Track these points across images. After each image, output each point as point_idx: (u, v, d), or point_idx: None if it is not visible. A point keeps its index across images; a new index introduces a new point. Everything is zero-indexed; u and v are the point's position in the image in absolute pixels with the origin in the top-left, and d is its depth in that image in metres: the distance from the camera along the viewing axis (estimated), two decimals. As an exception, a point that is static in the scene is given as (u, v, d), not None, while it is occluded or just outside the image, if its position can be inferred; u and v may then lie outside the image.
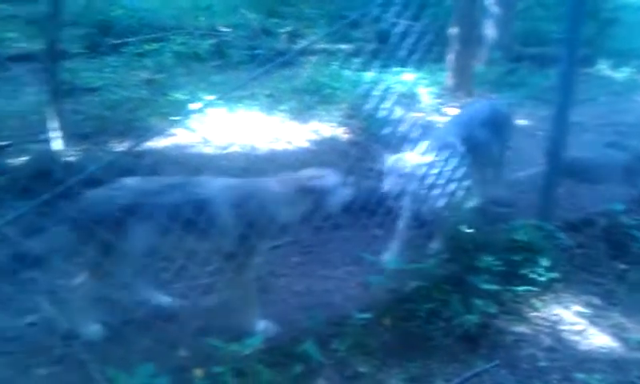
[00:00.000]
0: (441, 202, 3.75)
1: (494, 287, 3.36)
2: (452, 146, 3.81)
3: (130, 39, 8.85)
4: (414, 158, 3.66)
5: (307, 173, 3.15)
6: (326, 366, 2.79)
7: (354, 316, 3.00)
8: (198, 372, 2.63)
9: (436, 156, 3.69)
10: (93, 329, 3.08)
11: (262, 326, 3.07)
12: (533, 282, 3.51)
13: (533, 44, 10.04)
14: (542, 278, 3.51)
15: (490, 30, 9.43)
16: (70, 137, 5.47)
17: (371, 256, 3.49)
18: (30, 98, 6.94)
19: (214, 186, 3.03)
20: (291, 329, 3.04)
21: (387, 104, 4.00)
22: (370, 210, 3.69)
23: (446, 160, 3.71)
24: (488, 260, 3.55)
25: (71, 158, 4.92)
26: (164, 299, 3.34)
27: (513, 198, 4.56)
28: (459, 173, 3.78)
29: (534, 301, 3.45)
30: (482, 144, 4.06)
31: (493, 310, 3.24)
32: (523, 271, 3.57)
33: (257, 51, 9.11)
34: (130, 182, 3.05)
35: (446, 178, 3.72)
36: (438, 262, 3.50)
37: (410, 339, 3.05)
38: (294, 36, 10.16)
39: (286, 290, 3.44)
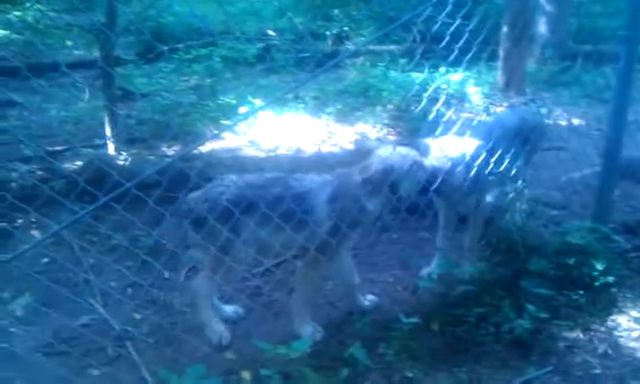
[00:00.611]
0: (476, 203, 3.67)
1: (547, 291, 3.26)
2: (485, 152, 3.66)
3: (179, 45, 9.06)
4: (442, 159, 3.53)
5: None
6: (373, 371, 2.77)
7: (402, 320, 2.96)
8: (246, 374, 2.67)
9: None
10: (221, 330, 3.09)
11: (310, 329, 3.10)
12: (587, 287, 3.40)
13: (587, 41, 9.70)
14: (597, 283, 3.39)
15: (542, 28, 9.20)
16: (124, 141, 5.67)
17: (419, 259, 3.44)
18: (86, 103, 7.22)
19: (311, 180, 3.13)
20: (338, 333, 3.05)
21: (438, 105, 3.94)
22: (418, 211, 3.63)
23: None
24: (540, 263, 3.46)
25: (125, 162, 5.07)
26: (229, 310, 3.37)
27: (567, 200, 4.42)
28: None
29: (588, 306, 3.33)
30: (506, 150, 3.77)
31: (545, 315, 3.13)
32: (577, 275, 3.46)
33: (303, 54, 9.19)
34: (233, 178, 3.16)
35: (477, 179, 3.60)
36: (488, 266, 3.42)
37: (458, 344, 3.00)
38: (340, 38, 10.18)
39: (333, 293, 3.43)
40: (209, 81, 7.92)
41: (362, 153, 3.24)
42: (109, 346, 3.06)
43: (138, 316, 3.34)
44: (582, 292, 3.35)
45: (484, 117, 6.84)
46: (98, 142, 5.81)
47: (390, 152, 3.16)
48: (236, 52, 9.06)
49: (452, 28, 3.43)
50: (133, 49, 9.31)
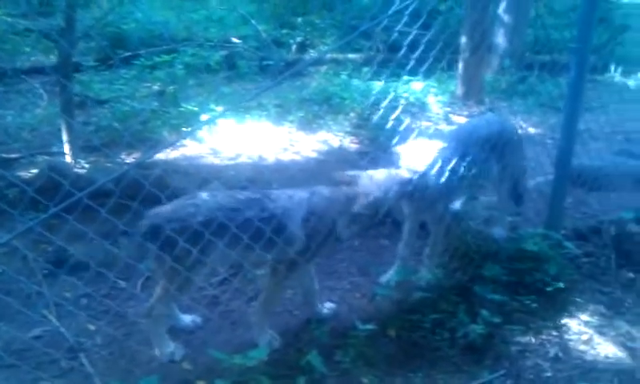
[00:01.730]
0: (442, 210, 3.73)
1: (500, 297, 3.34)
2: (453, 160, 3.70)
3: (141, 52, 8.94)
4: (417, 165, 3.58)
5: (367, 180, 3.18)
6: (330, 378, 2.79)
7: (358, 327, 2.99)
8: (201, 384, 2.64)
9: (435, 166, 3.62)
10: (171, 349, 3.02)
11: (268, 337, 3.10)
12: (539, 292, 3.49)
13: (544, 52, 9.97)
14: (549, 288, 3.48)
15: (500, 38, 9.40)
16: (81, 149, 5.56)
17: (378, 266, 3.48)
18: (43, 110, 7.07)
19: (287, 199, 3.07)
20: (296, 340, 3.06)
21: (396, 113, 3.99)
22: (378, 219, 3.67)
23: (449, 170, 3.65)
24: (494, 269, 3.54)
25: (81, 170, 4.98)
26: (187, 319, 3.33)
27: (522, 207, 4.53)
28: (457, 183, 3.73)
29: (540, 310, 3.42)
30: (478, 160, 3.84)
31: (498, 320, 3.21)
32: (530, 280, 3.55)
33: (267, 62, 9.20)
34: (204, 197, 3.05)
35: (447, 186, 3.67)
36: (444, 272, 3.49)
37: (414, 350, 3.05)
38: (304, 46, 10.23)
39: (291, 301, 3.44)
40: (171, 88, 7.84)
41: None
42: (61, 358, 2.99)
43: (92, 327, 3.28)
44: (534, 297, 3.44)
45: (444, 126, 7.03)
46: (55, 149, 5.69)
47: (374, 181, 3.17)
48: (199, 59, 8.97)
49: (410, 37, 3.50)
50: (93, 55, 9.13)
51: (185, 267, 2.84)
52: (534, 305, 3.42)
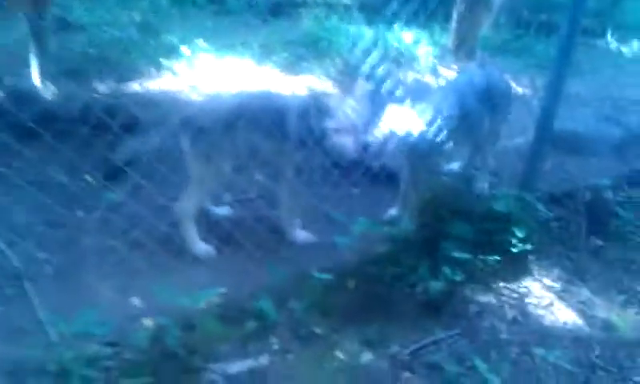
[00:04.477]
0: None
1: (464, 255, 3.25)
2: (445, 113, 3.62)
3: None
4: (407, 119, 3.49)
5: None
6: (280, 325, 2.72)
7: (316, 275, 2.91)
8: (147, 322, 2.56)
9: (428, 120, 3.51)
10: (206, 248, 3.30)
11: (302, 235, 3.51)
12: (504, 253, 3.42)
13: (542, 10, 9.72)
14: (515, 250, 3.41)
15: (498, -7, 9.09)
16: (53, 74, 5.35)
17: (341, 215, 3.37)
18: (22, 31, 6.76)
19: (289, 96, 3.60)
20: (251, 284, 2.96)
21: (384, 61, 3.86)
22: (346, 167, 3.56)
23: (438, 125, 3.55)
24: (462, 228, 3.45)
25: (48, 96, 4.78)
26: (222, 211, 3.73)
27: (498, 167, 4.43)
28: (446, 137, 3.64)
29: (503, 272, 3.36)
30: (474, 114, 3.83)
31: (459, 278, 3.14)
32: (497, 241, 3.47)
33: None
34: (225, 94, 3.64)
35: (432, 141, 3.57)
36: (409, 227, 3.40)
37: (370, 303, 2.98)
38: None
39: (252, 242, 3.33)
40: (153, 18, 7.55)
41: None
42: (5, 285, 2.90)
43: (41, 255, 3.17)
44: (499, 257, 3.37)
45: (432, 77, 6.85)
46: (26, 73, 5.46)
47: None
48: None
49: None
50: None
51: (216, 157, 3.12)
52: (498, 266, 3.35)
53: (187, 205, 3.27)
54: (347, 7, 8.71)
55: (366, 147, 3.35)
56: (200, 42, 6.59)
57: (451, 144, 3.75)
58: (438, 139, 3.58)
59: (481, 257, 3.36)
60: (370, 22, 7.37)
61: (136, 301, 2.84)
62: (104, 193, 3.74)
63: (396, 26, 7.48)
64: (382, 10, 4.00)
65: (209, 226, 3.39)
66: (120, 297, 2.89)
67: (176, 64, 6.24)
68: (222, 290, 2.84)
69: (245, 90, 3.65)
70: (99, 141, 3.48)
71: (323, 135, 3.24)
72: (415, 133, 3.49)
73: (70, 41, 6.66)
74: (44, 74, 5.04)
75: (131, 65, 6.06)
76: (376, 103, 3.53)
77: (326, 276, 2.87)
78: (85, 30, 7.09)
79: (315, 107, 3.28)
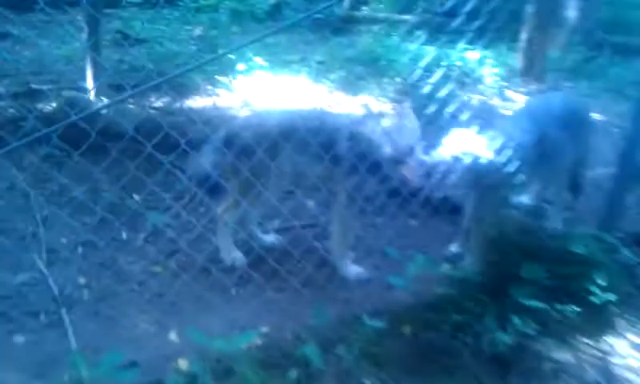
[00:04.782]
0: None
1: (537, 304, 2.88)
2: (519, 139, 3.27)
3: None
4: (475, 145, 3.16)
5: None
6: (327, 374, 2.43)
7: (368, 319, 2.61)
8: (182, 364, 2.33)
9: (500, 148, 3.17)
10: (236, 255, 3.24)
11: (354, 270, 3.21)
12: (584, 303, 3.01)
13: (618, 32, 9.12)
14: (596, 300, 3.00)
15: (570, 12, 8.60)
16: (109, 87, 5.32)
17: (395, 251, 3.05)
18: (81, 44, 6.84)
19: (342, 117, 3.34)
20: (295, 325, 2.70)
21: (448, 82, 3.57)
22: (405, 197, 3.25)
23: (510, 154, 3.20)
24: (534, 270, 3.08)
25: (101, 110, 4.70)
26: (269, 238, 3.54)
27: (574, 201, 4.01)
28: (519, 167, 3.29)
29: (582, 325, 2.96)
30: (552, 142, 3.41)
31: (532, 330, 2.78)
32: (574, 288, 3.08)
33: (317, 15, 8.70)
34: (272, 112, 3.37)
35: (503, 170, 3.23)
36: (474, 267, 3.06)
37: (429, 354, 2.65)
38: (358, 2, 9.67)
39: (299, 276, 3.06)
40: (212, 33, 7.50)
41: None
42: (42, 310, 2.75)
43: (82, 280, 3.02)
44: (577, 308, 2.97)
45: (498, 101, 6.47)
46: (82, 84, 5.46)
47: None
48: (245, 5, 8.60)
49: (469, 3, 3.03)
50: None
51: (257, 176, 2.95)
52: (577, 317, 2.95)
53: (226, 213, 3.21)
54: (408, 25, 8.42)
55: (426, 175, 3.05)
56: (256, 58, 6.45)
57: (523, 175, 3.39)
58: (510, 169, 3.23)
59: (556, 306, 2.97)
60: (432, 41, 7.06)
61: (172, 336, 2.63)
62: (150, 214, 3.61)
63: (460, 45, 7.15)
64: (444, 28, 3.68)
65: (253, 256, 3.16)
66: (156, 330, 2.69)
67: (232, 80, 6.11)
68: (264, 329, 2.60)
69: (294, 108, 3.46)
70: (150, 158, 3.33)
71: (379, 160, 2.96)
72: (483, 160, 3.14)
73: (129, 54, 6.68)
74: (99, 87, 4.99)
75: (188, 80, 5.98)
76: (438, 127, 3.24)
77: (378, 324, 2.56)
78: (145, 44, 7.10)
79: (370, 129, 3.01)
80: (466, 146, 3.10)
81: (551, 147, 3.32)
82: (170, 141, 2.81)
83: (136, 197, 3.79)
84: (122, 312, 2.80)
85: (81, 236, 3.34)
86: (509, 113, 5.12)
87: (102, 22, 5.39)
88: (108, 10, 7.91)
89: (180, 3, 8.36)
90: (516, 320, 2.78)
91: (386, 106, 5.75)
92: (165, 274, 3.13)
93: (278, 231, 3.63)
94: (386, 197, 3.16)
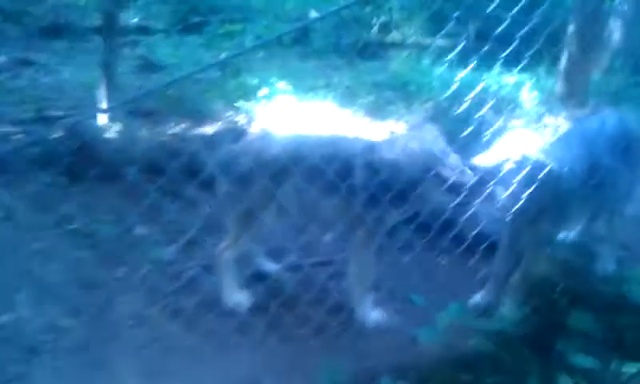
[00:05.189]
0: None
1: (590, 362, 2.43)
2: (568, 167, 2.86)
3: (213, 19, 8.49)
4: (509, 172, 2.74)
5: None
6: None
7: (389, 381, 2.21)
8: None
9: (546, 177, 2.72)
10: (240, 298, 2.91)
11: (375, 316, 2.84)
12: (646, 360, 2.56)
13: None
14: (660, 356, 2.54)
15: (614, 33, 8.11)
16: (125, 114, 5.13)
17: (421, 297, 2.63)
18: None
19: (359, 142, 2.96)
20: (303, 381, 2.32)
21: (482, 108, 3.21)
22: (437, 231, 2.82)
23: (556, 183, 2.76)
24: (585, 320, 2.64)
25: (111, 136, 4.49)
26: (271, 266, 3.23)
27: (629, 237, 3.54)
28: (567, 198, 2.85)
29: (642, 387, 2.49)
30: (606, 170, 2.99)
31: (584, 394, 2.33)
32: (633, 342, 2.63)
33: (344, 40, 8.46)
34: (276, 136, 3.09)
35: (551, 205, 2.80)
36: (513, 317, 2.63)
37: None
38: (386, 27, 9.38)
39: (310, 322, 2.67)
40: (236, 59, 7.30)
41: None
42: (17, 358, 2.45)
43: (67, 322, 2.71)
44: (635, 367, 2.51)
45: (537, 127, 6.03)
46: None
47: None
48: (272, 31, 8.39)
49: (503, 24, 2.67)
50: (166, 19, 8.82)
51: (255, 205, 2.71)
52: (635, 379, 2.49)
53: (226, 250, 2.90)
54: (441, 49, 8.07)
55: (459, 207, 2.66)
56: (280, 83, 6.18)
57: (571, 207, 2.96)
58: (556, 201, 2.80)
59: (611, 364, 2.52)
60: (465, 65, 6.69)
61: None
62: (152, 248, 3.31)
63: (496, 69, 6.76)
64: (478, 52, 3.32)
65: (257, 298, 2.81)
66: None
67: (254, 105, 5.85)
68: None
69: (302, 132, 3.23)
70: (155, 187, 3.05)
71: (403, 188, 2.60)
72: (522, 191, 2.70)
73: (150, 80, 6.52)
74: (115, 113, 4.79)
75: (208, 106, 5.75)
76: (470, 152, 2.86)
77: (401, 385, 2.16)
78: (165, 69, 6.94)
79: (391, 154, 2.65)
80: (501, 173, 2.69)
81: (605, 175, 2.88)
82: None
83: (142, 229, 3.52)
84: (103, 363, 2.48)
85: (75, 272, 3.06)
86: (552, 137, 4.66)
87: (120, 49, 5.23)
88: (133, 37, 7.85)
89: (207, 29, 8.22)
90: (564, 380, 2.34)
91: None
92: (160, 317, 2.80)
93: (289, 268, 3.26)
94: (411, 231, 2.77)
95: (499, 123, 3.24)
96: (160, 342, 2.61)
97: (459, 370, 2.38)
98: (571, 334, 2.58)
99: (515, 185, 2.61)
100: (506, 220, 2.85)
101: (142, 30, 8.42)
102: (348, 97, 6.39)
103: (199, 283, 2.96)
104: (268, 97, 5.95)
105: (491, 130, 2.86)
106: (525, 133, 3.11)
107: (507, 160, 2.71)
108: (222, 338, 2.61)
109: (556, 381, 2.36)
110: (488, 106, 2.93)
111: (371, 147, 2.82)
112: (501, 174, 2.64)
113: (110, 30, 5.02)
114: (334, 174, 2.58)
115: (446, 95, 3.21)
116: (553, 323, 2.66)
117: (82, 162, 3.79)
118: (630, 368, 2.49)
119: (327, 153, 2.69)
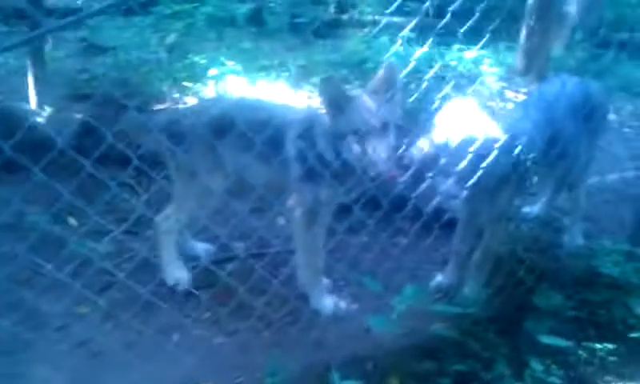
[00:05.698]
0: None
1: (560, 341, 2.26)
2: (527, 135, 2.61)
3: (160, -1, 8.08)
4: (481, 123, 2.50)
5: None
6: None
7: (342, 373, 1.97)
8: None
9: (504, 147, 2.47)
10: (181, 275, 2.74)
11: (330, 303, 2.60)
12: (619, 337, 2.42)
13: (623, 28, 8.56)
14: (634, 334, 2.39)
15: (572, 7, 8.05)
16: (61, 98, 4.77)
17: (376, 281, 2.33)
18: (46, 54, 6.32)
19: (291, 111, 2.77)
20: (247, 378, 2.06)
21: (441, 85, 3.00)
22: (393, 207, 2.56)
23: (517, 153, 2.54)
24: (554, 298, 2.49)
25: (39, 120, 4.12)
26: (200, 247, 3.01)
27: (593, 210, 3.38)
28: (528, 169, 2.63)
29: (618, 366, 2.34)
30: (569, 137, 2.77)
31: (557, 378, 2.15)
32: (605, 319, 2.49)
33: (299, 20, 8.17)
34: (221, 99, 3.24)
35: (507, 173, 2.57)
36: (477, 298, 2.43)
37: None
38: (343, 5, 9.13)
39: (259, 312, 2.40)
40: (185, 40, 6.94)
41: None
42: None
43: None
44: (611, 345, 2.36)
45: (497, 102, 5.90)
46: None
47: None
48: (224, 11, 8.02)
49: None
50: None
51: (201, 170, 2.55)
52: (612, 357, 2.34)
53: (168, 221, 2.72)
54: (399, 27, 7.87)
55: (415, 181, 2.42)
56: (230, 63, 5.87)
57: (533, 179, 2.75)
58: (515, 172, 2.58)
59: (585, 343, 2.35)
60: (425, 42, 6.50)
61: None
62: (86, 240, 2.98)
63: (455, 46, 6.61)
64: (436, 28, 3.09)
65: (202, 287, 2.53)
66: None
67: (202, 87, 5.54)
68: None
69: (244, 97, 3.19)
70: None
71: (349, 162, 2.35)
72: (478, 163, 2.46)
73: (93, 63, 6.14)
74: (42, 97, 4.41)
75: (154, 88, 5.41)
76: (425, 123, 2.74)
77: (353, 382, 1.91)
78: (109, 52, 6.56)
79: (333, 122, 2.39)
80: (471, 124, 2.45)
81: (568, 143, 2.69)
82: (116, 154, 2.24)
83: (72, 221, 3.20)
84: (29, 370, 2.18)
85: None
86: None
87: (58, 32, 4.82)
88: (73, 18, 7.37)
89: (154, 9, 7.80)
90: (534, 364, 2.17)
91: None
92: (92, 316, 2.51)
93: (239, 257, 2.97)
94: (362, 209, 2.50)
95: (457, 98, 2.99)
96: (91, 343, 2.32)
97: (421, 358, 2.17)
98: (540, 313, 2.44)
99: (471, 156, 2.37)
100: (463, 194, 2.61)
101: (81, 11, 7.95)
102: (302, 76, 6.14)
103: (134, 277, 2.66)
104: (217, 77, 5.64)
105: (447, 103, 2.62)
106: (482, 105, 2.88)
107: (463, 131, 2.47)
108: (161, 333, 2.33)
109: (526, 364, 2.17)
110: (449, 85, 2.67)
111: (311, 117, 2.57)
112: (453, 146, 2.41)
113: (35, 12, 4.61)
114: (266, 144, 2.25)
115: (403, 73, 3.01)
116: (519, 303, 2.50)
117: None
118: (602, 346, 2.34)
119: (260, 118, 2.42)
